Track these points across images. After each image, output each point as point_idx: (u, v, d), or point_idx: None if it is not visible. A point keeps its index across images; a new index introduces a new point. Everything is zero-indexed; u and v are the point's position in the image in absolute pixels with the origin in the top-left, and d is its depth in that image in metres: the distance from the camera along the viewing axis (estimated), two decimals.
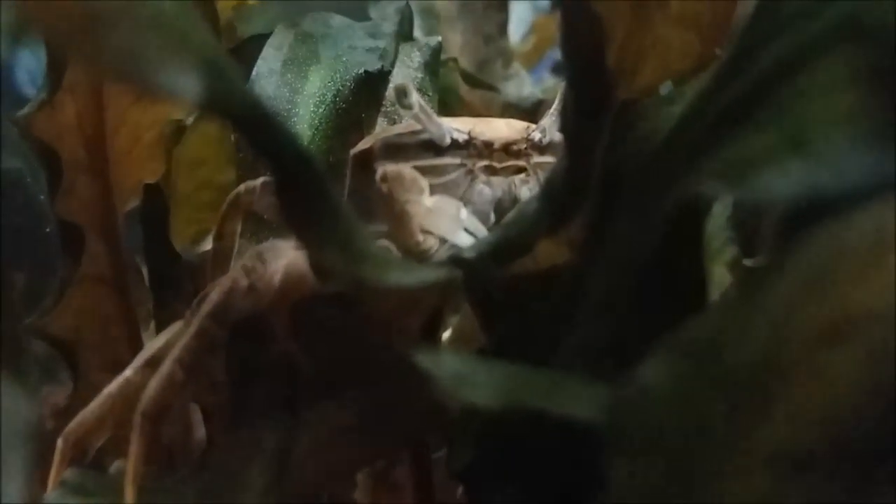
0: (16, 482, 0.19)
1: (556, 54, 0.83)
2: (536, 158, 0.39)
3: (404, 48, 0.52)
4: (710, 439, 0.19)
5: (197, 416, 0.45)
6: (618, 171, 0.29)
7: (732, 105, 0.22)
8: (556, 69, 0.76)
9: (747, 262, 0.36)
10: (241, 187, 0.41)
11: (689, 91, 0.28)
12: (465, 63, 0.62)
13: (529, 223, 0.30)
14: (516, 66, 0.64)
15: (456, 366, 0.24)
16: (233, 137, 0.52)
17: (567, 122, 0.28)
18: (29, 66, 0.67)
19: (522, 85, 0.63)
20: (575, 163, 0.28)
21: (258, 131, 0.21)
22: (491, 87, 0.60)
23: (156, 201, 0.51)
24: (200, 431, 0.45)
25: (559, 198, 0.29)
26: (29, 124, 0.43)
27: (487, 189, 0.38)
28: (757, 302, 0.19)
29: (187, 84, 0.19)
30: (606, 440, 0.20)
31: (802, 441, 0.18)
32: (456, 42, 0.63)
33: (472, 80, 0.59)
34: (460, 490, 0.42)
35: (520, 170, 0.39)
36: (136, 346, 0.46)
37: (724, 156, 0.20)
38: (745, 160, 0.19)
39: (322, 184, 0.22)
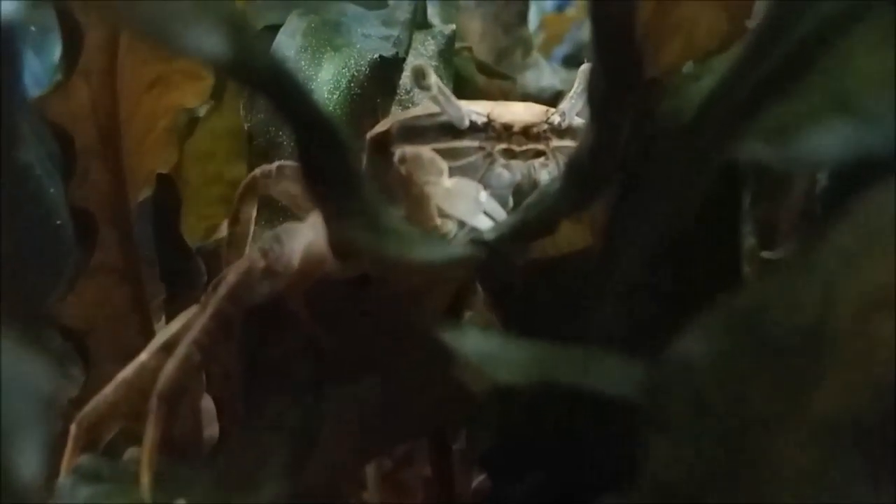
0: (32, 460, 0.18)
1: (563, 50, 0.83)
2: (556, 142, 0.38)
3: (418, 36, 0.52)
4: (757, 412, 0.18)
5: (208, 412, 0.44)
6: (643, 150, 0.28)
7: (772, 72, 0.21)
8: (568, 61, 0.75)
9: (766, 255, 0.35)
10: (257, 171, 0.41)
11: (719, 65, 0.28)
12: (485, 51, 0.61)
13: (552, 202, 0.29)
14: (536, 56, 0.63)
15: (483, 343, 0.24)
16: (246, 127, 0.51)
17: (594, 99, 0.27)
18: (33, 69, 0.67)
19: (542, 75, 0.62)
20: (601, 140, 0.28)
21: (282, 95, 0.20)
22: (506, 77, 0.59)
23: (168, 193, 0.50)
24: (212, 427, 0.45)
25: (583, 177, 0.29)
26: (44, 107, 0.43)
27: (506, 172, 0.37)
28: (804, 270, 0.18)
29: (213, 45, 0.18)
30: (646, 418, 0.20)
31: (853, 409, 0.17)
32: (476, 30, 0.62)
33: (487, 70, 0.58)
34: (475, 482, 0.42)
35: (539, 153, 0.38)
36: (148, 337, 0.46)
37: (766, 119, 0.19)
38: (789, 122, 0.19)
39: (346, 150, 0.22)
